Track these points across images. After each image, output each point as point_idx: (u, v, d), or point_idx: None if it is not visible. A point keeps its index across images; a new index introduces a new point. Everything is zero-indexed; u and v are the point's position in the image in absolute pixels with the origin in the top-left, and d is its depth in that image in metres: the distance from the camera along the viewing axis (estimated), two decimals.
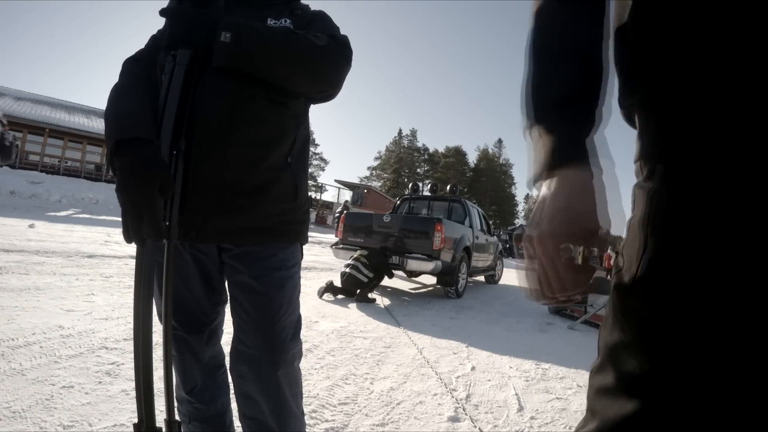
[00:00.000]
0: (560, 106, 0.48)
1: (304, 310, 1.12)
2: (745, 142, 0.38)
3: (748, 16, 0.38)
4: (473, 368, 2.74)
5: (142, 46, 1.01)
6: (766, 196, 0.36)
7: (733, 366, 0.36)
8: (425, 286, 6.80)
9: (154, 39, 1.01)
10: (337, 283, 4.87)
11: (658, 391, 0.39)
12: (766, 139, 0.37)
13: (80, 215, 10.90)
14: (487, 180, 56.74)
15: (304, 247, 1.11)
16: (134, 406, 0.79)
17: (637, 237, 0.45)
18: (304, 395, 1.18)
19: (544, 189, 0.46)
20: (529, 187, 0.51)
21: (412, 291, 6.21)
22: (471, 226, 6.62)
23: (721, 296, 0.37)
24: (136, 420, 0.78)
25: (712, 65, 0.40)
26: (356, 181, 46.52)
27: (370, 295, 4.77)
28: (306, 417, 1.33)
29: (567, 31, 0.50)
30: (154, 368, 0.79)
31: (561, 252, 0.44)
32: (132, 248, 0.78)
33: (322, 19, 1.08)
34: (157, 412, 0.79)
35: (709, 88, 0.40)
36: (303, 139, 1.07)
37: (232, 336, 1.03)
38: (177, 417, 0.92)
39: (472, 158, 60.30)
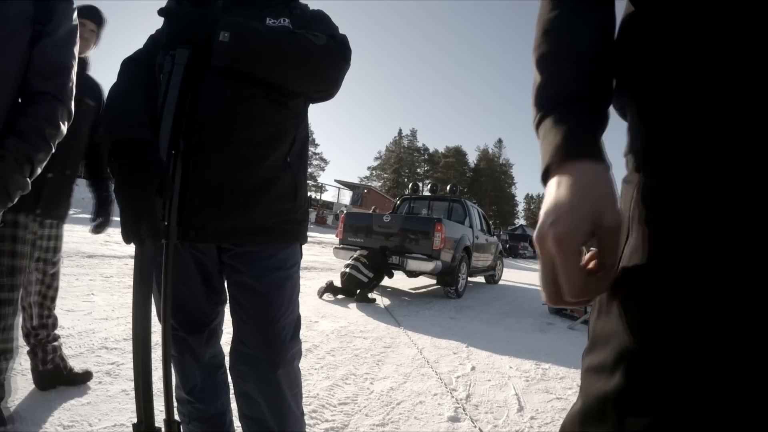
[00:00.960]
0: (573, 101, 0.46)
1: (304, 310, 1.12)
2: (723, 140, 0.40)
3: (736, 17, 0.40)
4: (473, 368, 2.74)
5: (141, 46, 1.01)
6: (739, 191, 0.38)
7: (705, 345, 0.38)
8: (430, 279, 6.80)
9: (152, 39, 1.01)
10: (337, 283, 4.87)
11: (638, 369, 0.40)
12: (742, 138, 0.39)
13: (80, 215, 10.88)
14: (487, 180, 56.76)
15: (303, 247, 1.11)
16: (134, 406, 0.79)
17: None
18: (304, 395, 1.18)
19: (558, 183, 0.42)
20: (542, 182, 0.46)
21: (412, 291, 6.21)
22: (471, 226, 6.62)
23: (696, 280, 0.39)
24: (135, 420, 0.78)
25: (695, 66, 0.42)
26: (356, 181, 46.58)
27: (370, 295, 4.76)
28: (306, 417, 1.33)
29: (576, 35, 0.50)
30: (153, 368, 0.79)
31: (580, 253, 0.41)
32: (132, 248, 0.78)
33: (321, 19, 1.08)
34: (156, 412, 0.79)
35: (691, 86, 0.42)
36: (302, 138, 1.07)
37: (231, 336, 1.03)
38: (176, 417, 0.92)
39: (472, 158, 60.39)
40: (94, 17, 1.71)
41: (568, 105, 0.45)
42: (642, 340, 0.41)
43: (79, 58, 1.67)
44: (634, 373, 0.41)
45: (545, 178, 0.44)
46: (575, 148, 0.42)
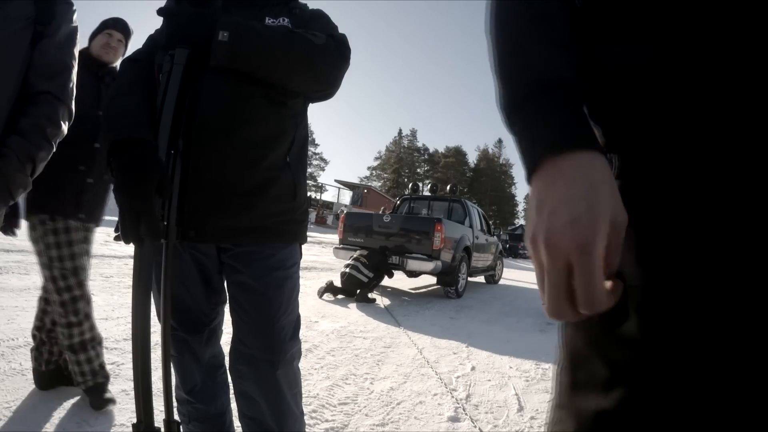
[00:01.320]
0: (558, 86, 0.40)
1: (304, 310, 1.12)
2: (689, 136, 0.39)
3: (714, 10, 0.38)
4: (473, 368, 2.74)
5: (140, 46, 1.01)
6: (736, 191, 0.37)
7: (706, 353, 0.36)
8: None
9: (152, 39, 1.01)
10: (337, 283, 4.87)
11: (632, 383, 0.38)
12: (707, 133, 0.38)
13: None
14: (487, 180, 56.71)
15: (303, 247, 1.11)
16: (134, 406, 0.79)
17: None
18: (304, 395, 1.18)
19: (560, 175, 0.36)
20: (528, 176, 0.40)
21: (412, 291, 6.21)
22: (471, 226, 6.62)
23: (674, 282, 0.37)
24: (135, 420, 0.78)
25: (675, 63, 0.40)
26: (356, 181, 46.60)
27: (370, 295, 4.76)
28: (306, 417, 1.33)
29: (548, 20, 0.44)
30: (153, 368, 0.79)
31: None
32: (132, 248, 0.78)
33: (320, 18, 1.08)
34: (156, 412, 0.79)
35: (673, 83, 0.40)
36: (302, 138, 1.07)
37: (231, 336, 1.03)
38: (176, 417, 0.92)
39: (472, 158, 60.31)
40: (119, 27, 1.74)
41: (553, 90, 0.40)
42: (637, 352, 0.38)
43: (109, 67, 1.72)
44: (636, 389, 0.38)
45: (533, 171, 0.39)
46: (575, 138, 0.37)
